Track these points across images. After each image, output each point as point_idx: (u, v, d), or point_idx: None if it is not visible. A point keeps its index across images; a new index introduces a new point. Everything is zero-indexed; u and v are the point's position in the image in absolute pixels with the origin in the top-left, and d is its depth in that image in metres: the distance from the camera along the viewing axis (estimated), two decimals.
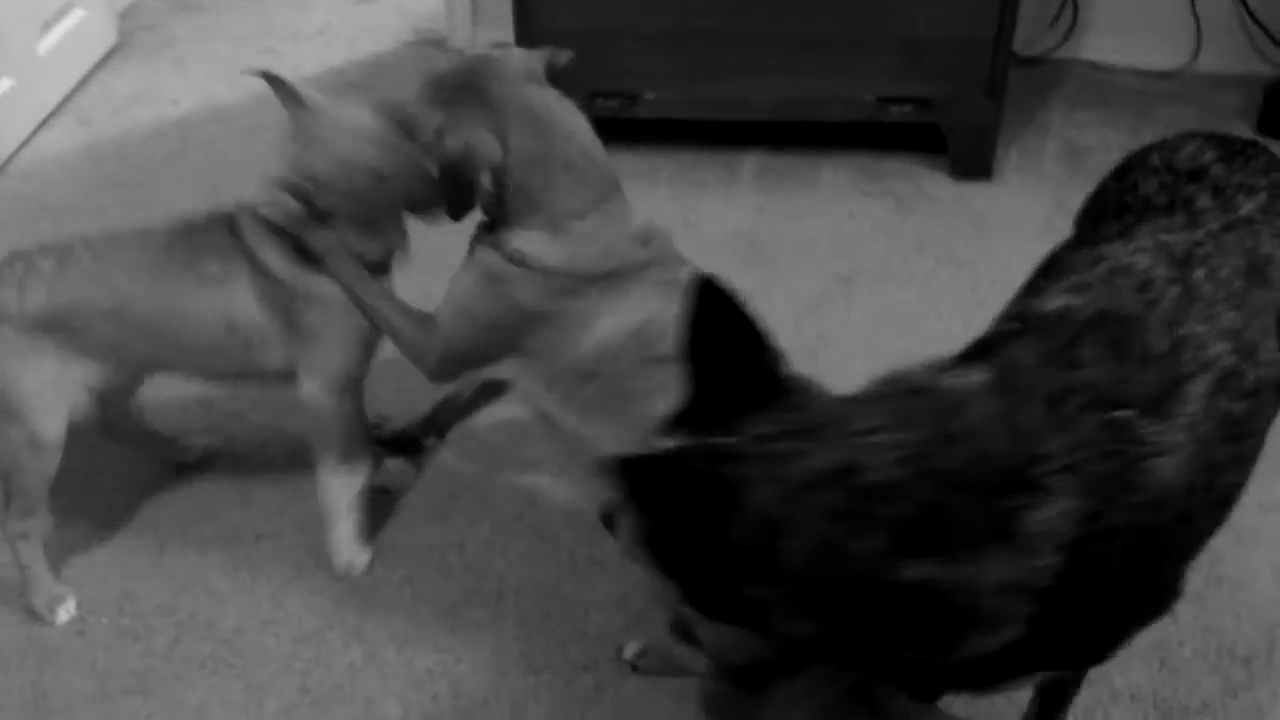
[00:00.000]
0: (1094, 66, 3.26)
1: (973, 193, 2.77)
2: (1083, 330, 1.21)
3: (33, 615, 1.85)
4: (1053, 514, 1.08)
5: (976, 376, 1.18)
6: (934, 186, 2.79)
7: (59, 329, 1.71)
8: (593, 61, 2.68)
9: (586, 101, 2.72)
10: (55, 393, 1.74)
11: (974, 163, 2.77)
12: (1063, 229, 2.57)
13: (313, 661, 1.75)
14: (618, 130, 2.91)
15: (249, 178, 2.86)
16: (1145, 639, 1.42)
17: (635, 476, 1.13)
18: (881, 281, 2.50)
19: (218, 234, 1.80)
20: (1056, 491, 1.08)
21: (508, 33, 3.05)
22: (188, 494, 2.03)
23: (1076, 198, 2.70)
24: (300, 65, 3.31)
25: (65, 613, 1.85)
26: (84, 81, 3.21)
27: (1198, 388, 1.17)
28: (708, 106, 2.75)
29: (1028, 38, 3.19)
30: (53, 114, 3.05)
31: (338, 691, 1.72)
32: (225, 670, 1.75)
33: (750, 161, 2.88)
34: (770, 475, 1.11)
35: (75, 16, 3.16)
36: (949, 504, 1.08)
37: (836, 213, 2.70)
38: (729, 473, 1.11)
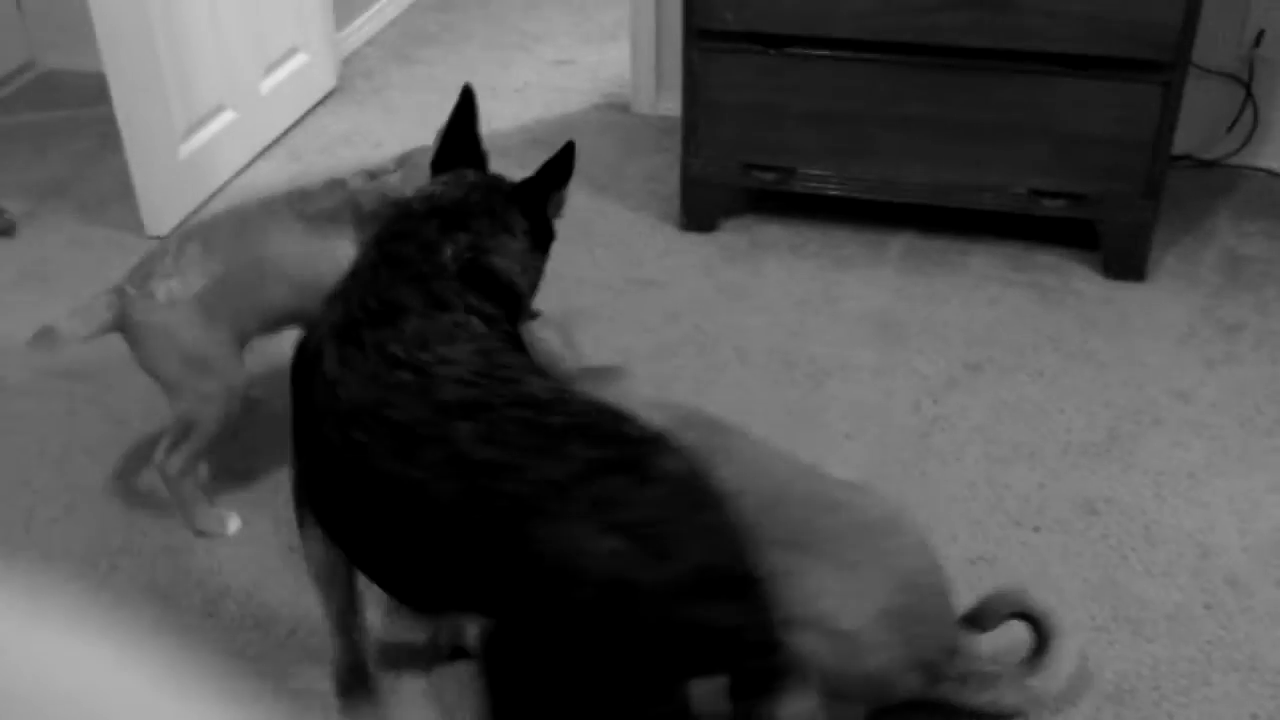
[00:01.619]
0: (1271, 174, 3.18)
1: (1122, 292, 2.75)
2: None
3: (202, 535, 2.16)
4: None
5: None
6: (1083, 282, 2.79)
7: (221, 297, 2.02)
8: (752, 136, 2.83)
9: (743, 173, 2.88)
10: (234, 349, 2.06)
11: (1126, 262, 2.76)
12: (1206, 336, 2.57)
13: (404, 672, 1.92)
14: (772, 202, 3.05)
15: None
16: None
17: None
18: (1010, 372, 2.52)
19: (333, 188, 2.18)
20: None
21: None
22: None
23: (1227, 307, 2.70)
24: (493, 119, 3.56)
25: (234, 524, 2.18)
26: (301, 119, 3.55)
27: None
28: (858, 185, 2.83)
29: (1205, 141, 3.15)
30: (269, 147, 3.39)
31: (415, 693, 1.88)
32: (328, 661, 1.93)
33: (898, 242, 2.94)
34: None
35: (299, 60, 3.50)
36: None
37: (977, 299, 2.74)
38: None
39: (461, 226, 1.58)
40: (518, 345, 1.54)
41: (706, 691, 1.18)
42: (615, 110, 3.61)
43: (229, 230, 2.09)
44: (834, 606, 1.49)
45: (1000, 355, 2.57)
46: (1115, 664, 1.90)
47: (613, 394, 1.82)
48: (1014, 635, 1.80)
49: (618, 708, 1.18)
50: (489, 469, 1.26)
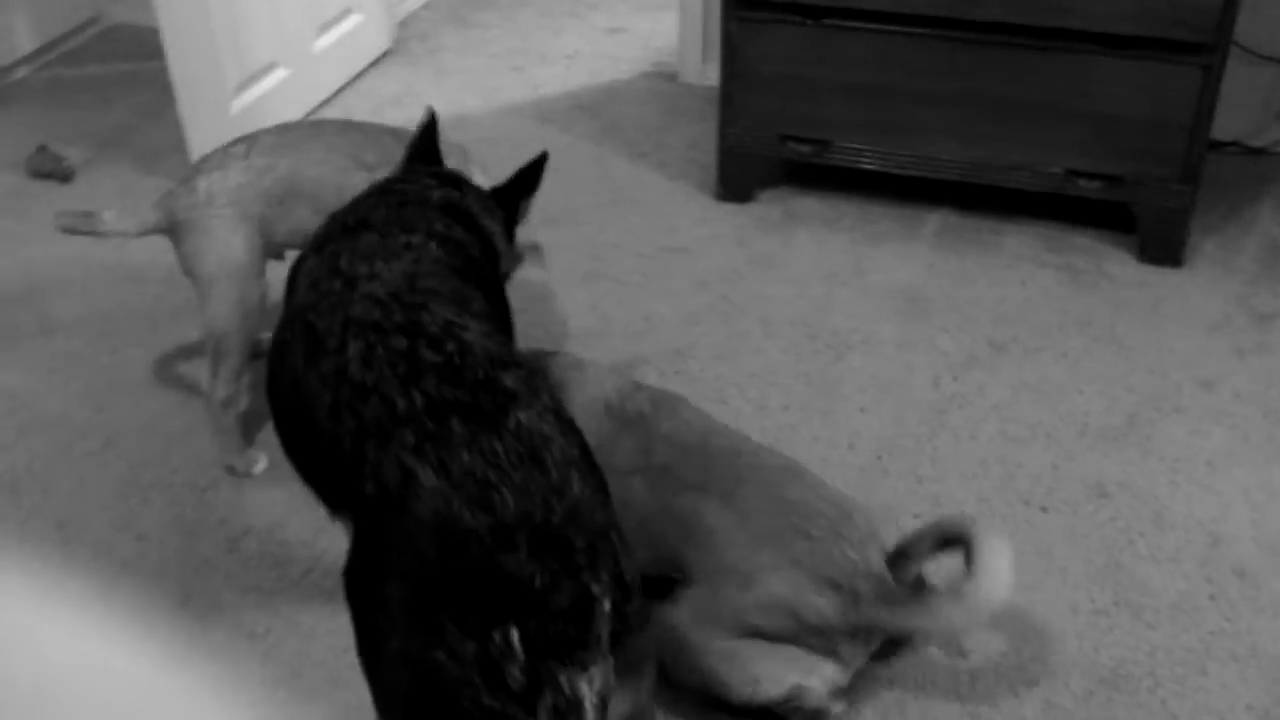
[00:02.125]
0: None
1: (1156, 278, 2.73)
2: None
3: (231, 472, 2.25)
4: None
5: None
6: (1117, 266, 2.76)
7: (253, 199, 2.10)
8: (788, 107, 2.84)
9: (779, 144, 2.89)
10: (257, 260, 2.14)
11: (1162, 247, 2.73)
12: (1239, 325, 2.54)
13: None
14: (808, 175, 3.05)
15: (473, 180, 3.20)
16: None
17: None
18: (1034, 353, 2.52)
19: (382, 135, 2.24)
20: None
21: None
22: None
23: (1263, 296, 2.67)
24: (540, 86, 3.60)
25: (261, 464, 2.26)
26: (353, 80, 3.61)
27: None
28: (893, 160, 2.83)
29: (1254, 128, 3.09)
30: (320, 106, 3.46)
31: None
32: (340, 603, 2.00)
33: (934, 219, 2.94)
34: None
35: (353, 20, 3.56)
36: None
37: (1009, 279, 2.73)
38: None
39: (457, 187, 1.67)
40: (472, 273, 1.60)
41: (507, 641, 1.20)
42: (662, 79, 3.63)
43: (275, 140, 2.18)
44: (724, 539, 1.56)
45: (1026, 335, 2.57)
46: (1112, 649, 1.90)
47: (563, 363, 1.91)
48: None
49: (423, 638, 1.22)
50: (356, 390, 1.34)
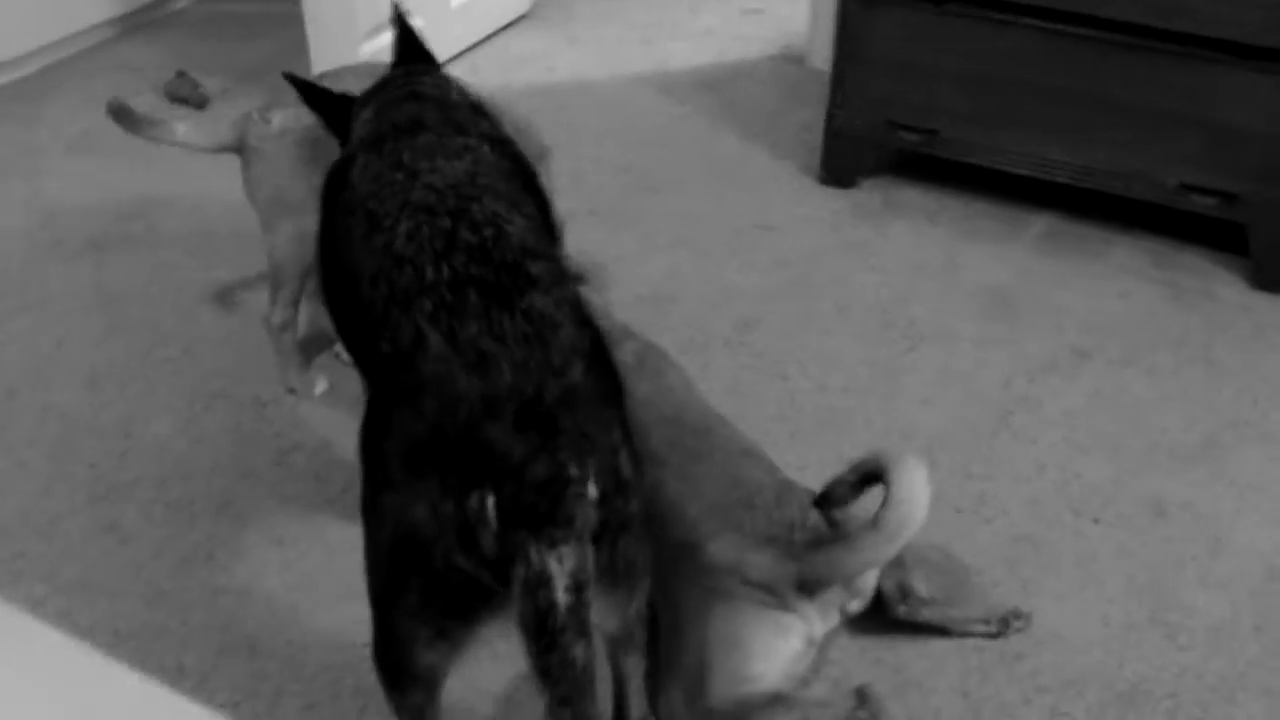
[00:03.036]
0: None
1: (1265, 304, 2.57)
2: None
3: (291, 392, 2.33)
4: None
5: None
6: (1225, 289, 2.62)
7: (324, 139, 2.09)
8: (900, 93, 2.78)
9: (887, 130, 2.83)
10: (313, 195, 2.12)
11: (1276, 273, 2.58)
12: None
13: None
14: (914, 165, 2.98)
15: (584, 142, 3.25)
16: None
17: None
18: (1118, 365, 2.40)
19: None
20: None
21: None
22: None
23: None
24: (667, 60, 3.61)
25: (321, 386, 2.34)
26: (487, 38, 3.68)
27: None
28: (1003, 156, 2.74)
29: None
30: (450, 60, 3.53)
31: None
32: None
33: (1040, 222, 2.83)
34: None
35: None
36: None
37: (1106, 290, 2.61)
38: None
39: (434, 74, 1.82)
40: (522, 173, 1.64)
41: (483, 505, 1.21)
42: (790, 62, 3.59)
43: (356, 79, 2.22)
44: (676, 514, 1.58)
45: (1114, 347, 2.45)
46: (1137, 664, 1.81)
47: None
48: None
49: (406, 492, 1.25)
50: (396, 261, 1.39)
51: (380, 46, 3.24)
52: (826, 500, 1.63)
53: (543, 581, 1.20)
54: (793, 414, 2.28)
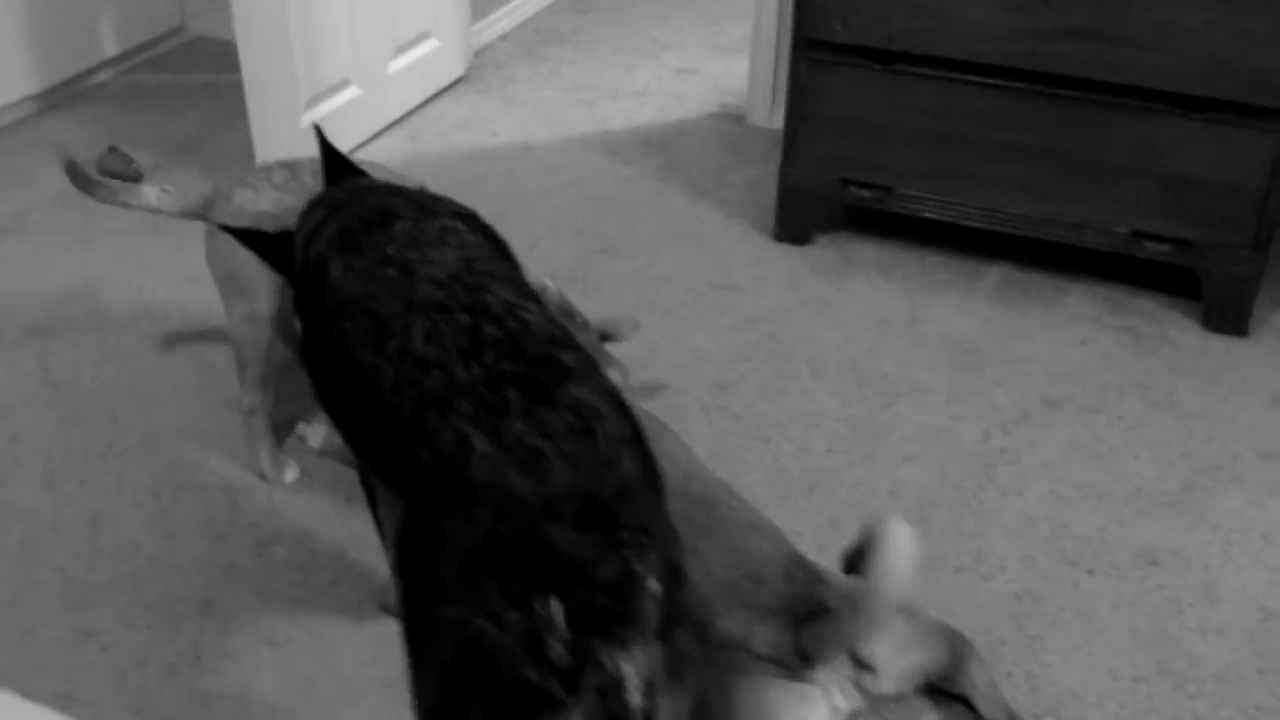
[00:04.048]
0: None
1: (1220, 346, 2.65)
2: None
3: (262, 478, 2.25)
4: None
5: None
6: (1180, 333, 2.69)
7: (279, 224, 2.08)
8: (852, 151, 2.81)
9: (840, 187, 2.87)
10: (270, 279, 2.13)
11: (1228, 315, 2.66)
12: None
13: None
14: (868, 221, 3.02)
15: (535, 206, 3.24)
16: None
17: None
18: (1089, 413, 2.45)
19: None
20: None
21: None
22: None
23: None
24: (608, 120, 3.61)
25: (292, 474, 2.26)
26: (424, 103, 3.64)
27: None
28: (957, 210, 2.79)
29: None
30: (389, 127, 3.49)
31: None
32: (364, 617, 1.98)
33: (994, 273, 2.88)
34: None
35: (430, 45, 3.60)
36: None
37: (1068, 338, 2.67)
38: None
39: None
40: (502, 252, 1.62)
41: (552, 614, 1.17)
42: (729, 120, 3.62)
43: (311, 183, 2.17)
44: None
45: (1081, 395, 2.50)
46: (1150, 717, 1.83)
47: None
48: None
49: (468, 603, 1.20)
50: (420, 364, 1.35)
51: (320, 116, 3.19)
52: (850, 569, 1.63)
53: (616, 686, 1.17)
54: (779, 477, 2.28)
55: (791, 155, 2.86)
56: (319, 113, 3.18)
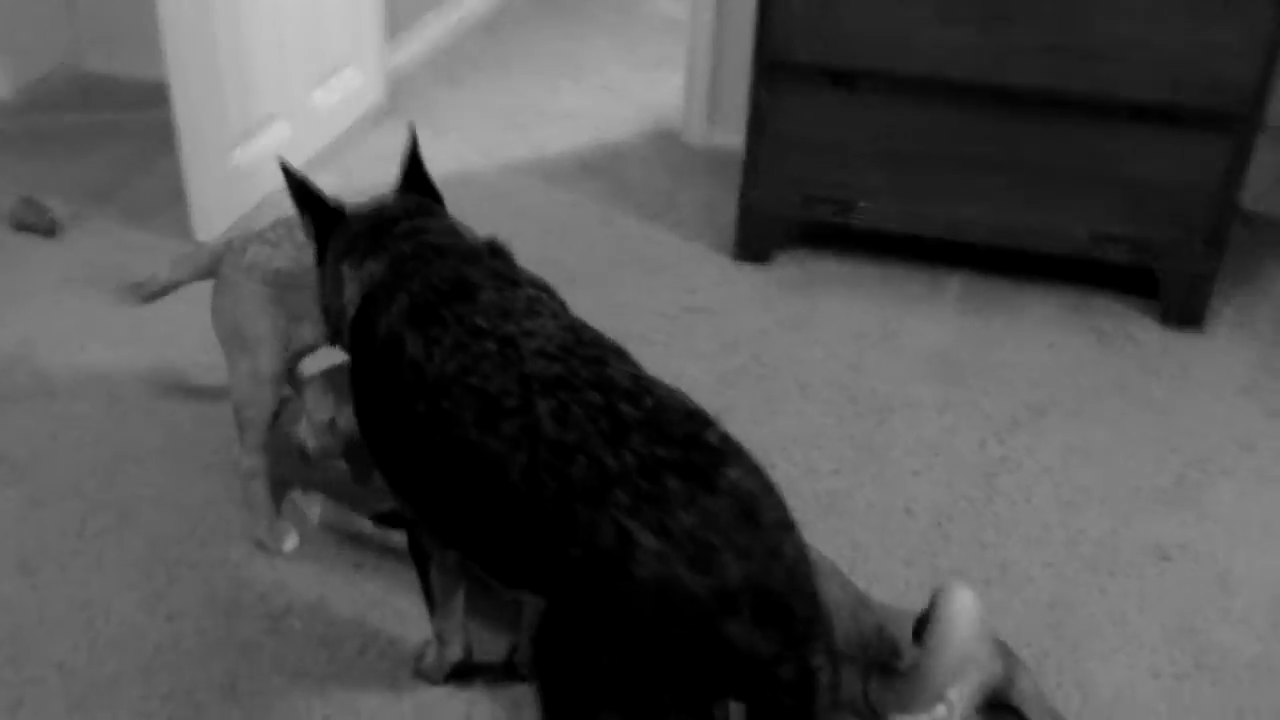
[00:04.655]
0: None
1: (1180, 342, 2.75)
2: None
3: (261, 547, 2.13)
4: None
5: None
6: (1140, 330, 2.78)
7: (290, 287, 2.01)
8: (814, 169, 2.82)
9: (803, 205, 2.87)
10: (276, 337, 2.03)
11: (1185, 311, 2.76)
12: (1269, 388, 2.56)
13: (480, 693, 1.87)
14: (826, 236, 3.03)
15: (482, 233, 3.12)
16: None
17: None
18: (1073, 416, 2.51)
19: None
20: None
21: (740, 133, 3.20)
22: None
23: None
24: (542, 145, 3.54)
25: (290, 543, 2.14)
26: (351, 136, 3.51)
27: None
28: (920, 222, 2.82)
29: (1258, 195, 3.16)
30: (319, 161, 3.35)
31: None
32: (401, 687, 1.89)
33: (955, 281, 2.93)
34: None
35: (349, 75, 3.47)
36: None
37: (1036, 343, 2.73)
38: None
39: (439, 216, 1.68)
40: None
41: (729, 714, 1.14)
42: (664, 139, 3.60)
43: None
44: None
45: (1063, 398, 2.56)
46: (1197, 714, 1.87)
47: None
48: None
49: (640, 711, 1.16)
50: (556, 449, 1.27)
51: (252, 152, 3.05)
52: (917, 636, 1.62)
53: None
54: (793, 502, 2.26)
55: (753, 176, 2.85)
56: (249, 149, 3.04)
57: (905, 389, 2.57)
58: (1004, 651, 1.82)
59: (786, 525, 1.24)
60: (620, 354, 1.41)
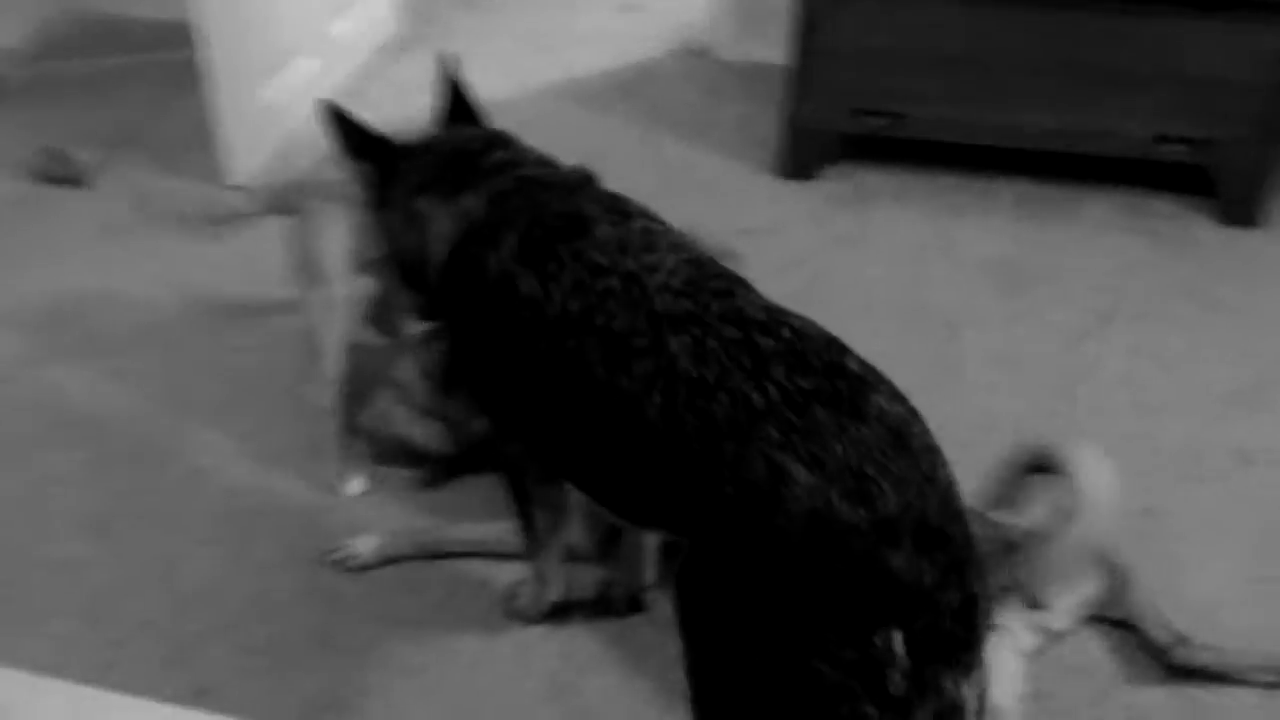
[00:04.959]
0: None
1: (1239, 239, 2.70)
2: None
3: (328, 488, 2.09)
4: None
5: None
6: (1199, 230, 2.73)
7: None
8: (866, 81, 2.75)
9: (853, 118, 2.80)
10: (346, 264, 2.04)
11: (1242, 208, 2.71)
12: None
13: (576, 629, 1.86)
14: (872, 150, 2.96)
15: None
16: None
17: None
18: (1140, 321, 2.47)
19: None
20: None
21: (775, 46, 3.11)
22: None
23: None
24: (569, 68, 3.45)
25: (356, 486, 2.11)
26: (375, 68, 3.42)
27: None
28: (977, 130, 2.76)
29: None
30: (343, 95, 3.26)
31: (594, 660, 1.81)
32: (495, 628, 1.87)
33: (1010, 190, 2.87)
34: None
35: (366, 3, 3.38)
36: None
37: (1096, 248, 2.68)
38: None
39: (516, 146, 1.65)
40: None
41: (889, 645, 1.12)
42: (694, 57, 3.50)
43: None
44: None
45: (1127, 304, 2.51)
46: None
47: None
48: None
49: (799, 645, 1.14)
50: (696, 386, 1.24)
51: (277, 88, 2.97)
52: (1001, 503, 1.61)
53: (955, 711, 1.12)
54: None
55: (802, 89, 2.77)
56: (277, 85, 2.95)
57: (970, 302, 2.52)
58: (1112, 565, 1.81)
59: (934, 449, 1.22)
60: (745, 284, 1.37)
